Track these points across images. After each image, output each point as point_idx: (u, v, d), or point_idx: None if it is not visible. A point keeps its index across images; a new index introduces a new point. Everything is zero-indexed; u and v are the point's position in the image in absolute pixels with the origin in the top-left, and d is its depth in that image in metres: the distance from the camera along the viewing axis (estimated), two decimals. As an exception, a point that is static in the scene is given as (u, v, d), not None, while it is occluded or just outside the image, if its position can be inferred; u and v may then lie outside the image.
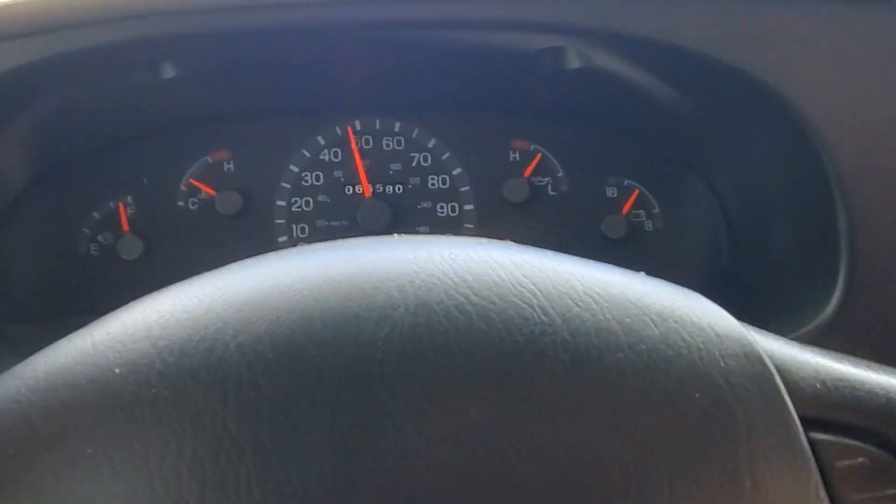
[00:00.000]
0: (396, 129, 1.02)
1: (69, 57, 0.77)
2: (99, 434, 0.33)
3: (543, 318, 0.36)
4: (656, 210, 1.02)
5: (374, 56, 0.90)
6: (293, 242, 1.00)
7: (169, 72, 0.83)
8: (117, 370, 0.34)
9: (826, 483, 0.36)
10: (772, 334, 0.41)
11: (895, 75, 0.76)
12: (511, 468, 0.33)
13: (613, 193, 1.02)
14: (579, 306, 0.37)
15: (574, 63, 0.85)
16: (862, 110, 0.76)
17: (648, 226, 1.02)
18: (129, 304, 0.39)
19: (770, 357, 0.38)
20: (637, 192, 1.02)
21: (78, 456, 0.32)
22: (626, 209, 1.02)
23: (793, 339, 0.78)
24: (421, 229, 1.01)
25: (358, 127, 1.01)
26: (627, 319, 0.37)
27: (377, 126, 1.01)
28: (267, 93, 0.97)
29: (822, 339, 0.77)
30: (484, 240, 0.43)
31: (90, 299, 0.97)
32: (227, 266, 0.41)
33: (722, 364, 0.36)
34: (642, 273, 0.43)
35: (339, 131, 1.01)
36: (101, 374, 0.34)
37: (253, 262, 0.41)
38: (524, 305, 0.36)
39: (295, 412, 0.33)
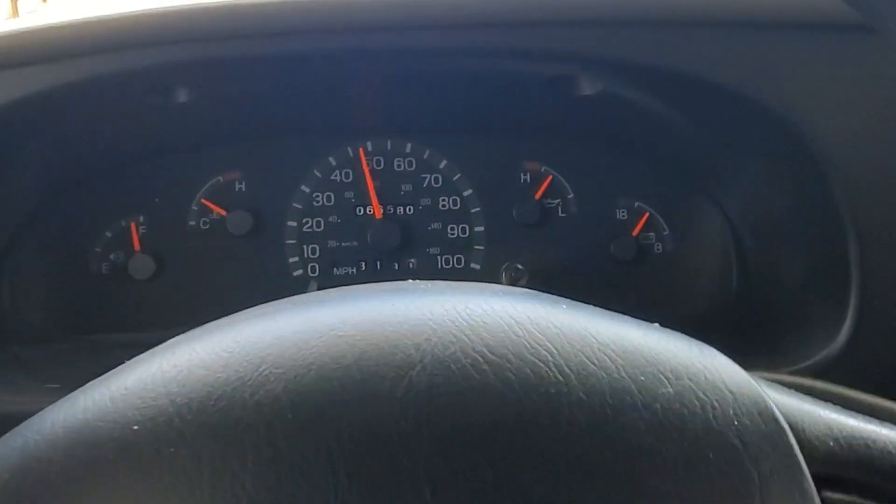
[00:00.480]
0: (408, 151, 1.02)
1: (84, 83, 0.77)
2: (118, 492, 0.33)
3: (559, 377, 0.36)
4: (666, 232, 1.02)
5: (386, 79, 0.90)
6: (304, 263, 1.01)
7: (182, 97, 0.84)
8: (136, 427, 0.34)
9: None
10: (784, 388, 0.41)
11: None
12: None
13: (624, 216, 1.02)
14: (595, 364, 0.37)
15: (587, 90, 0.86)
16: (872, 140, 0.76)
17: (658, 248, 1.02)
18: (146, 355, 0.39)
19: (784, 414, 0.38)
20: (647, 214, 1.02)
21: None
22: (636, 231, 1.02)
23: (803, 368, 0.78)
24: (431, 250, 1.01)
25: (369, 148, 1.02)
26: (642, 378, 0.37)
27: (388, 147, 1.02)
28: (279, 114, 0.98)
29: (832, 369, 0.77)
30: (499, 288, 0.43)
31: (102, 318, 0.98)
32: (244, 312, 0.41)
33: (736, 423, 0.36)
34: (656, 325, 0.43)
35: (350, 152, 1.02)
36: (120, 433, 0.34)
37: (269, 310, 0.41)
38: (540, 364, 0.36)
39: (313, 472, 0.33)
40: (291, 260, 1.01)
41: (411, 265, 1.01)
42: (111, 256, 0.99)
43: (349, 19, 0.79)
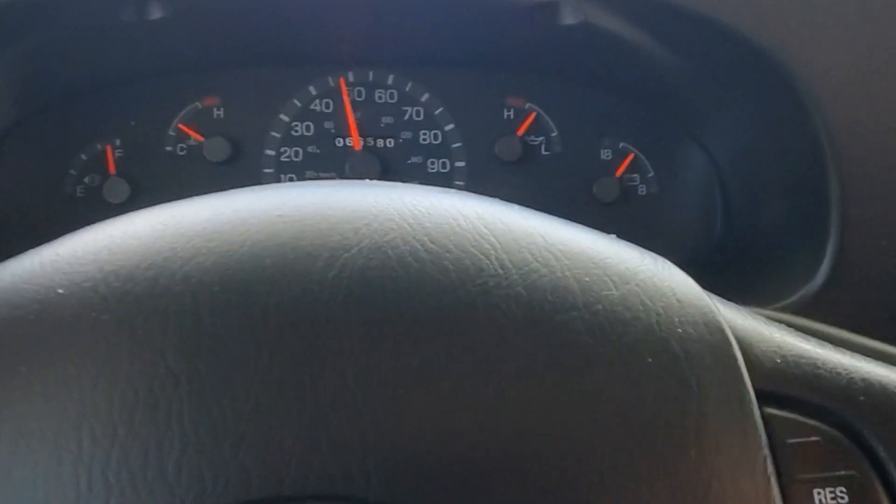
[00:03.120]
0: (390, 82, 1.00)
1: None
2: (34, 353, 0.32)
3: (499, 270, 0.35)
4: (651, 174, 1.00)
5: (368, 7, 0.88)
6: (281, 193, 0.99)
7: (156, 12, 0.82)
8: (60, 291, 0.34)
9: (776, 459, 0.35)
10: (738, 306, 0.40)
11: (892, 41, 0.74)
12: (450, 420, 0.32)
13: (608, 156, 1.01)
14: (538, 262, 0.36)
15: (569, 19, 0.84)
16: (857, 75, 0.74)
17: (642, 190, 1.01)
18: (84, 228, 0.38)
19: (731, 328, 0.37)
20: (632, 155, 1.00)
21: (11, 373, 0.32)
22: (619, 172, 1.00)
23: (780, 308, 0.77)
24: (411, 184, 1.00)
25: (351, 78, 1.00)
26: (587, 279, 0.36)
27: (370, 78, 1.00)
28: (259, 40, 0.96)
29: (809, 309, 0.76)
30: (454, 191, 0.42)
31: (75, 242, 0.97)
32: (190, 198, 0.40)
33: (679, 331, 0.35)
34: (613, 236, 0.42)
35: (331, 82, 1.00)
36: (43, 295, 0.34)
37: (214, 196, 0.40)
38: (481, 256, 0.35)
39: (234, 347, 0.32)
40: (268, 189, 0.99)
41: (390, 199, 1.00)
42: (86, 179, 0.97)
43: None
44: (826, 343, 0.40)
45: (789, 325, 0.65)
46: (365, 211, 0.37)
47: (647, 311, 0.36)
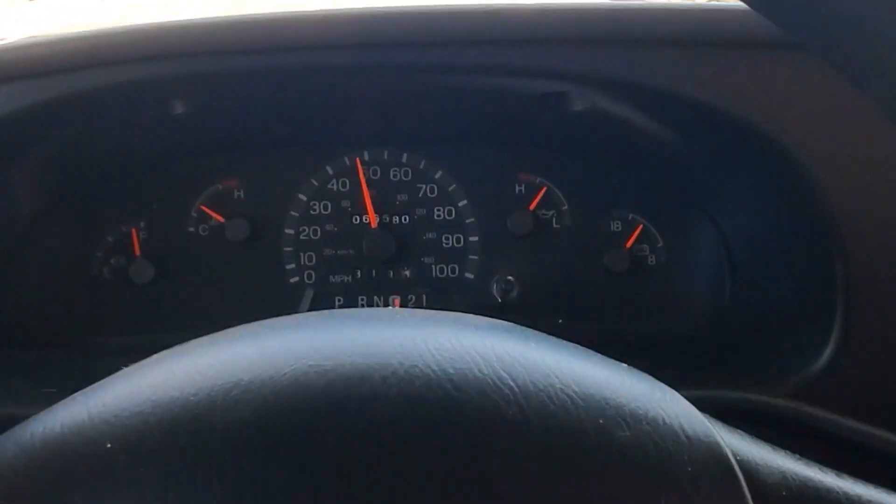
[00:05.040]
0: (404, 161, 1.03)
1: (81, 96, 0.79)
2: None
3: (519, 416, 0.37)
4: (660, 245, 1.03)
5: (382, 93, 0.92)
6: (300, 270, 1.02)
7: (178, 108, 0.85)
8: (109, 445, 0.36)
9: None
10: (744, 434, 0.42)
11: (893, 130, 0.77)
12: None
13: (618, 227, 1.03)
14: (555, 405, 0.38)
15: (578, 106, 0.86)
16: (861, 163, 0.77)
17: (651, 260, 1.03)
18: (129, 370, 0.41)
19: (738, 462, 0.39)
20: (641, 226, 1.03)
21: None
22: (629, 243, 1.03)
23: (784, 386, 0.79)
24: (426, 260, 1.03)
25: (366, 157, 1.03)
26: (601, 420, 0.38)
27: (385, 157, 1.03)
28: (277, 124, 0.99)
29: (814, 387, 0.78)
30: (473, 321, 0.45)
31: (102, 322, 1.00)
32: (222, 333, 0.43)
33: (689, 469, 0.37)
34: (624, 366, 0.44)
35: (347, 161, 1.03)
36: (93, 449, 0.36)
37: (249, 332, 0.42)
38: (501, 402, 0.38)
39: (276, 497, 0.34)
40: (288, 267, 1.02)
41: (406, 274, 1.03)
42: (112, 261, 1.01)
43: (346, 36, 0.80)
44: (829, 470, 0.42)
45: (795, 413, 0.67)
46: (392, 359, 0.39)
47: (658, 450, 0.38)
